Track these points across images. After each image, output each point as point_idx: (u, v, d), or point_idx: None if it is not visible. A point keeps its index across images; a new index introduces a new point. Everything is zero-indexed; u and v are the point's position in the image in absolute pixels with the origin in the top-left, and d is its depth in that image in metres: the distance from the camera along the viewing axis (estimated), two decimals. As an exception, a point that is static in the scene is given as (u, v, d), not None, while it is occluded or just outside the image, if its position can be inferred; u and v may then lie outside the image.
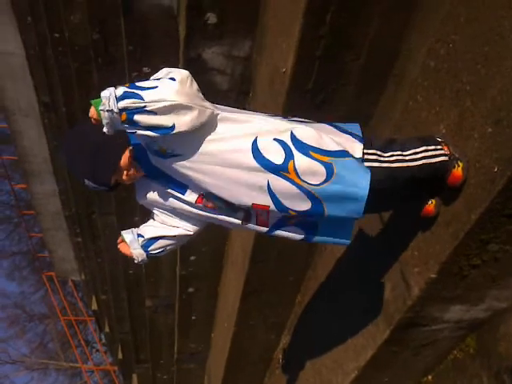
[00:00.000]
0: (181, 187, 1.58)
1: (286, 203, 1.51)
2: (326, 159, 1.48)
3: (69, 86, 4.81)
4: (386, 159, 1.56)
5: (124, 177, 1.54)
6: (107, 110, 1.35)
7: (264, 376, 4.19)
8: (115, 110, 1.35)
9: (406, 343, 2.33)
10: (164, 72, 1.46)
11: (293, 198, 1.50)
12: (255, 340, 3.87)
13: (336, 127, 1.60)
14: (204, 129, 1.46)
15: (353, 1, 1.93)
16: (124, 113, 1.35)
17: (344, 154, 1.51)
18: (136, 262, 1.72)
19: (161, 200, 1.64)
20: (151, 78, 1.47)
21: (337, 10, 1.92)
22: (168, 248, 1.74)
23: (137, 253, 1.70)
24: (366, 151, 1.54)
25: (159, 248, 1.72)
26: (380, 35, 2.06)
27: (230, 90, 2.88)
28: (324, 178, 1.48)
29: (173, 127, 1.39)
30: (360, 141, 1.56)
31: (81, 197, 5.96)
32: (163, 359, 6.05)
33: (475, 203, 1.63)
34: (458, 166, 1.62)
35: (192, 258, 3.94)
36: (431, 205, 1.78)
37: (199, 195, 1.58)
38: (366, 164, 1.53)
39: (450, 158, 1.64)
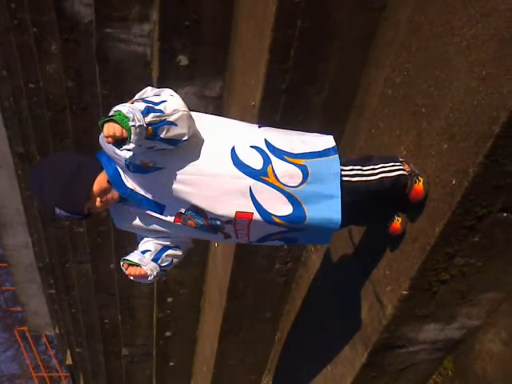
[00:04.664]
0: (158, 207, 1.58)
1: (269, 208, 1.55)
2: (300, 162, 1.57)
3: (43, 135, 4.87)
4: (347, 173, 1.66)
5: (97, 203, 1.53)
6: (139, 126, 1.34)
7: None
8: (144, 125, 1.36)
9: (384, 367, 2.34)
10: (150, 89, 1.50)
11: (274, 201, 1.55)
12: (235, 382, 3.79)
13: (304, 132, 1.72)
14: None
15: (314, 37, 2.08)
16: (150, 127, 1.37)
17: (315, 154, 1.61)
18: (151, 278, 1.67)
19: (142, 224, 1.65)
20: (144, 95, 1.49)
21: (299, 45, 2.07)
22: (174, 260, 1.74)
23: (151, 267, 1.65)
24: None
25: (167, 260, 1.70)
26: (340, 69, 2.21)
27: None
28: (301, 179, 1.56)
29: (184, 136, 1.45)
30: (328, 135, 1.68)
31: (55, 246, 5.89)
32: (141, 414, 5.81)
33: (438, 217, 1.71)
34: (419, 181, 1.71)
35: (169, 299, 3.90)
36: (397, 222, 1.85)
37: (177, 214, 1.58)
38: None
39: (410, 174, 1.74)
